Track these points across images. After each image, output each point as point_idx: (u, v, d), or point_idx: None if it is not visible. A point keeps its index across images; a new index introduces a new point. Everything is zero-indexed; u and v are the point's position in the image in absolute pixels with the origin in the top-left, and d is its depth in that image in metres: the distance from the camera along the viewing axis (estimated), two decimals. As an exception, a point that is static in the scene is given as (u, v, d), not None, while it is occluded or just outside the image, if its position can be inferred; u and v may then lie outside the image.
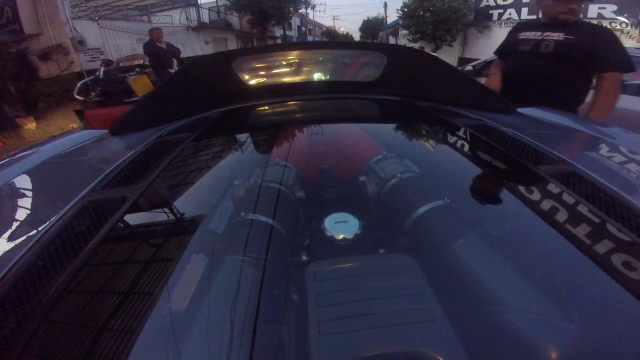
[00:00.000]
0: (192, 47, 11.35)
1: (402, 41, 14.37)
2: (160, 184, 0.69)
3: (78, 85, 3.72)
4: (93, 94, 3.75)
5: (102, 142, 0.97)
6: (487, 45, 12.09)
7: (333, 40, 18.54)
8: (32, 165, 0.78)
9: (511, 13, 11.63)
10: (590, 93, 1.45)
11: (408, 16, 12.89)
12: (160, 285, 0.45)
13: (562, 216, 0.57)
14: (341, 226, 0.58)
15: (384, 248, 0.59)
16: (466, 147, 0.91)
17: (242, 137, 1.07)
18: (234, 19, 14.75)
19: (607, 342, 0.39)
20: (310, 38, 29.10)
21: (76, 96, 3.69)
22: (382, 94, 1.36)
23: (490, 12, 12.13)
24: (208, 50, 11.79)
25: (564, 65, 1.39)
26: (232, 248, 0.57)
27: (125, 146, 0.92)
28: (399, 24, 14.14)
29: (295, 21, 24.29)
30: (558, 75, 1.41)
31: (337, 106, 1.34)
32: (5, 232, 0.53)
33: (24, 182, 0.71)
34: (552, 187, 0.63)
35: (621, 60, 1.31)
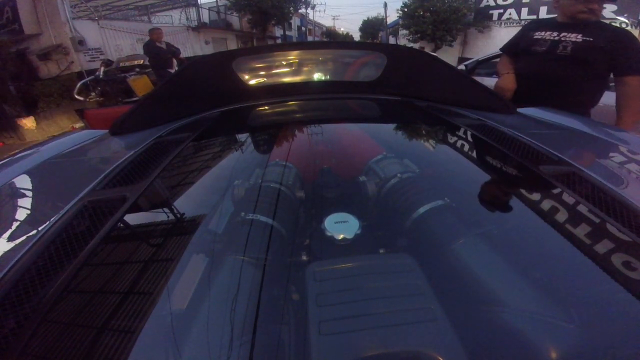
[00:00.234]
0: (192, 47, 11.34)
1: (402, 41, 14.38)
2: (160, 184, 0.70)
3: (78, 85, 3.72)
4: (93, 94, 3.75)
5: (102, 142, 0.97)
6: (487, 45, 12.10)
7: (333, 40, 18.55)
8: (32, 165, 0.78)
9: (511, 13, 11.64)
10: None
11: (408, 16, 12.90)
12: (160, 285, 0.45)
13: (562, 216, 0.57)
14: (341, 226, 0.58)
15: (384, 248, 0.59)
16: (466, 147, 0.91)
17: (242, 137, 1.07)
18: (234, 19, 14.75)
19: (607, 342, 0.39)
20: (310, 38, 29.11)
21: (76, 96, 3.69)
22: (382, 94, 1.36)
23: (490, 12, 12.14)
24: (208, 50, 11.78)
25: (581, 67, 1.32)
26: (232, 248, 0.57)
27: (125, 146, 0.92)
28: (399, 24, 14.16)
29: (295, 21, 24.29)
30: (575, 77, 1.35)
31: (337, 106, 1.34)
32: (5, 232, 0.53)
33: (24, 182, 0.71)
34: (552, 187, 0.63)
35: None
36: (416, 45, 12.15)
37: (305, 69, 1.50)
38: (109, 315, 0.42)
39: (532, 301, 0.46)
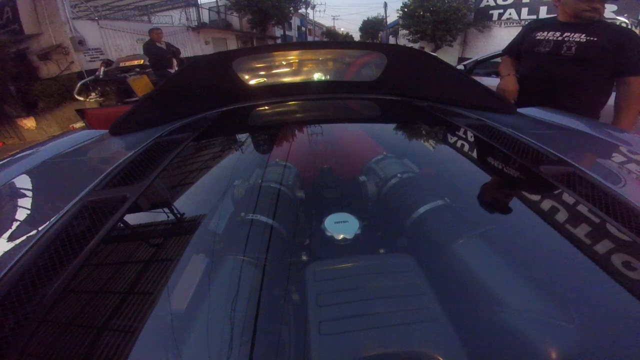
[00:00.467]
0: (192, 47, 11.35)
1: (402, 41, 14.39)
2: (160, 184, 0.69)
3: (78, 85, 3.73)
4: (93, 94, 3.75)
5: (102, 142, 0.97)
6: (487, 45, 12.12)
7: (333, 40, 18.55)
8: (32, 165, 0.78)
9: (511, 13, 11.66)
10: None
11: (408, 16, 12.92)
12: (160, 285, 0.45)
13: (562, 216, 0.57)
14: (341, 226, 0.58)
15: (384, 248, 0.59)
16: (466, 147, 0.91)
17: (242, 137, 1.07)
18: (234, 19, 14.75)
19: (607, 342, 0.39)
20: (310, 38, 29.11)
21: (76, 96, 3.70)
22: (382, 94, 1.36)
23: (490, 12, 12.16)
24: (208, 50, 11.79)
25: (587, 68, 1.30)
26: (232, 248, 0.57)
27: (125, 146, 0.92)
28: (399, 24, 14.16)
29: (295, 21, 24.30)
30: (580, 78, 1.33)
31: (337, 106, 1.34)
32: (5, 232, 0.53)
33: (24, 182, 0.71)
34: (552, 187, 0.63)
35: None
36: (416, 45, 12.16)
37: (305, 69, 1.50)
38: (109, 315, 0.42)
39: (532, 301, 0.46)
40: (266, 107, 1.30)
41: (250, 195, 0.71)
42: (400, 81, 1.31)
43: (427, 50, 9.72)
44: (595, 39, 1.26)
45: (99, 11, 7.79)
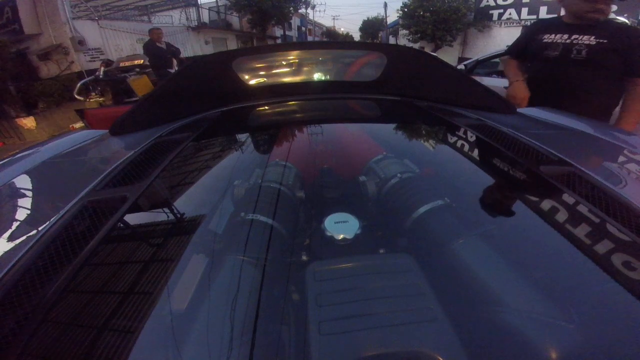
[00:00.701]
0: (192, 47, 11.36)
1: (402, 41, 14.39)
2: (160, 184, 0.69)
3: (78, 85, 3.72)
4: (93, 94, 3.75)
5: (102, 142, 0.97)
6: (487, 45, 12.11)
7: (333, 40, 18.54)
8: (32, 165, 0.78)
9: (511, 13, 11.66)
10: None
11: (408, 16, 12.92)
12: (160, 285, 0.45)
13: (562, 216, 0.57)
14: (341, 226, 0.58)
15: (384, 248, 0.59)
16: (466, 147, 0.91)
17: (242, 137, 1.07)
18: (234, 19, 14.76)
19: (607, 342, 0.39)
20: (310, 38, 29.11)
21: (76, 96, 3.69)
22: (382, 94, 1.36)
23: (490, 12, 12.15)
24: (208, 50, 11.79)
25: (599, 71, 1.27)
26: (232, 248, 0.57)
27: (125, 146, 0.92)
28: (399, 24, 14.16)
29: (295, 21, 24.30)
30: (593, 82, 1.29)
31: (337, 106, 1.34)
32: (5, 232, 0.53)
33: (24, 182, 0.71)
34: (552, 187, 0.63)
35: None
36: (416, 45, 12.16)
37: (305, 69, 1.50)
38: (109, 315, 0.42)
39: (532, 301, 0.46)
40: (266, 107, 1.30)
41: (250, 195, 0.71)
42: (400, 81, 1.31)
43: (427, 50, 9.72)
44: (605, 40, 1.22)
45: (99, 11, 7.79)
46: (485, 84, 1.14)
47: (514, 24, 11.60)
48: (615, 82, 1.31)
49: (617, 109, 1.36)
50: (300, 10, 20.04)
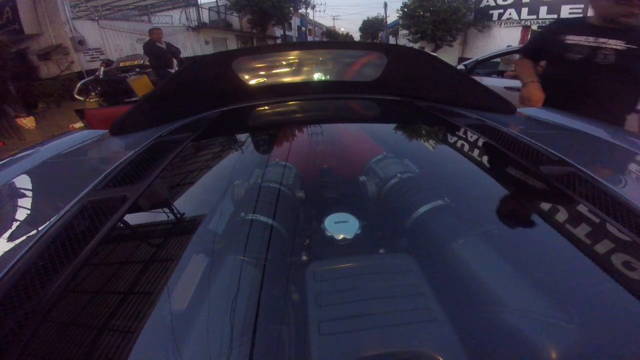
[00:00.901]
0: (192, 47, 11.37)
1: (402, 41, 14.39)
2: (160, 184, 0.70)
3: (78, 85, 3.72)
4: (93, 94, 3.74)
5: (102, 142, 0.97)
6: (487, 45, 12.12)
7: (333, 40, 18.55)
8: (32, 165, 0.78)
9: (511, 13, 11.67)
10: None
11: (408, 16, 12.93)
12: (160, 285, 0.45)
13: (562, 216, 0.57)
14: (341, 226, 0.58)
15: (384, 248, 0.59)
16: (466, 147, 0.91)
17: (242, 137, 1.07)
18: (234, 19, 14.76)
19: (607, 342, 0.39)
20: (310, 38, 29.12)
21: (76, 96, 3.69)
22: (382, 94, 1.36)
23: (490, 12, 12.17)
24: (208, 50, 11.80)
25: (625, 78, 1.22)
26: (232, 248, 0.57)
27: (125, 146, 0.92)
28: (399, 24, 14.17)
29: (295, 21, 24.31)
30: (616, 89, 1.25)
31: (337, 106, 1.34)
32: (5, 232, 0.53)
33: (24, 182, 0.71)
34: (552, 187, 0.63)
35: None
36: (416, 45, 12.17)
37: (305, 69, 1.50)
38: (109, 315, 0.42)
39: (532, 301, 0.46)
40: (266, 107, 1.30)
41: (250, 195, 0.71)
42: (400, 81, 1.31)
43: (427, 50, 9.72)
44: (635, 47, 1.18)
45: (99, 11, 7.80)
46: (485, 84, 1.14)
47: (514, 24, 11.61)
48: (637, 89, 1.28)
49: (633, 115, 1.34)
50: (300, 10, 20.06)
